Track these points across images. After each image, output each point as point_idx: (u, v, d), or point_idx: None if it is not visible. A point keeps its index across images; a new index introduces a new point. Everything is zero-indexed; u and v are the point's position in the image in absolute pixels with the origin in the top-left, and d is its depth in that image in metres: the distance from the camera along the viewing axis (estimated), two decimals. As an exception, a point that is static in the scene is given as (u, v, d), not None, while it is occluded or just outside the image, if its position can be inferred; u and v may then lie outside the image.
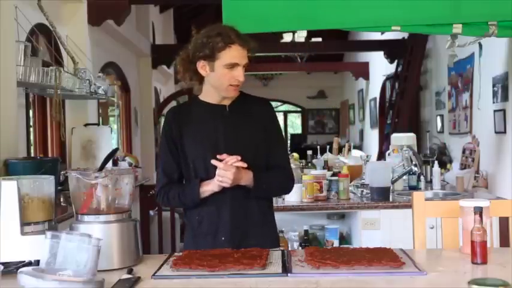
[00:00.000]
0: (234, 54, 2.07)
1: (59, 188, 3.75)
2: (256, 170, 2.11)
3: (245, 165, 2.03)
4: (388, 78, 8.69)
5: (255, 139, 2.16)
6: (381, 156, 7.43)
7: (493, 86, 4.66)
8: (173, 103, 10.50)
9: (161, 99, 9.62)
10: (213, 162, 2.04)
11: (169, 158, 2.17)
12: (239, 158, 2.03)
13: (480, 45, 4.30)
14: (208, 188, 2.08)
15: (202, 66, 2.11)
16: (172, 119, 2.19)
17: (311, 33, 8.33)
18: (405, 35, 7.52)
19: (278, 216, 2.32)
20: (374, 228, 3.39)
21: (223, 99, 2.16)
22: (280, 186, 2.25)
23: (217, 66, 2.08)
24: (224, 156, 2.04)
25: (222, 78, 2.09)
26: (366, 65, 10.47)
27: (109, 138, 5.12)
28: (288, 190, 2.36)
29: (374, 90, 9.89)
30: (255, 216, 2.14)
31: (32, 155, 4.40)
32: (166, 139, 2.18)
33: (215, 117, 2.16)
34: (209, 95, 2.17)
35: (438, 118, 6.30)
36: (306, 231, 3.56)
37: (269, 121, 2.23)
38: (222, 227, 2.10)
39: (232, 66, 2.07)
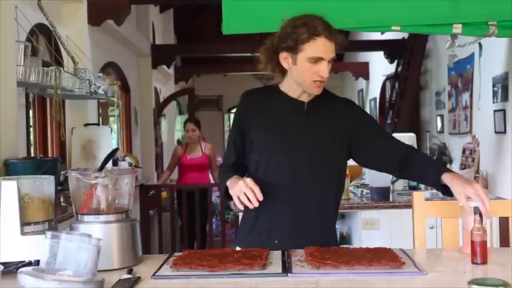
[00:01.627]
0: (319, 47, 1.92)
1: (59, 188, 3.75)
2: (326, 179, 2.02)
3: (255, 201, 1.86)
4: (388, 78, 8.68)
5: (331, 140, 2.03)
6: (381, 156, 7.41)
7: (493, 86, 4.66)
8: (173, 103, 10.51)
9: (161, 99, 9.62)
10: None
11: (231, 150, 2.09)
12: None
13: (480, 45, 4.30)
14: (231, 183, 1.92)
15: (284, 58, 1.98)
16: (248, 102, 2.07)
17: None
18: (405, 35, 7.51)
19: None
20: (374, 228, 3.39)
21: (303, 94, 2.03)
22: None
23: (300, 60, 1.94)
24: None
25: (304, 73, 1.95)
26: (366, 65, 10.46)
27: (109, 138, 5.12)
28: None
29: (374, 90, 9.88)
30: (314, 223, 2.02)
31: (32, 155, 4.40)
32: (236, 125, 2.08)
33: (292, 112, 2.03)
34: (290, 87, 2.04)
35: (438, 118, 6.29)
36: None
37: (354, 120, 2.07)
38: (278, 227, 2.00)
39: (316, 60, 1.92)
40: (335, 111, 2.08)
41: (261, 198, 1.83)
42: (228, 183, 1.94)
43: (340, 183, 2.12)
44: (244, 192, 1.83)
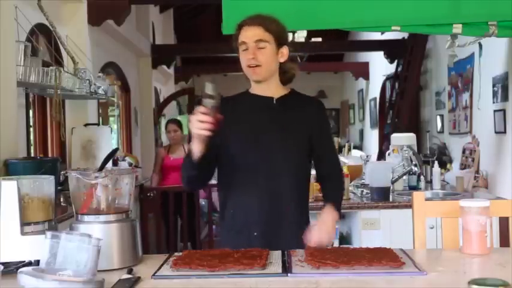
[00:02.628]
0: (242, 34, 2.06)
1: (59, 188, 3.75)
2: (298, 173, 2.12)
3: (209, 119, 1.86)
4: (388, 78, 8.69)
5: (300, 136, 2.13)
6: (381, 156, 7.42)
7: (493, 86, 4.66)
8: (173, 103, 10.52)
9: (161, 99, 9.62)
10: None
11: None
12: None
13: (480, 45, 4.31)
14: (193, 145, 1.93)
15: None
16: (222, 105, 2.10)
17: (311, 33, 8.34)
18: (405, 35, 7.52)
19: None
20: (374, 228, 3.39)
21: (268, 90, 2.13)
22: (343, 192, 2.34)
23: (239, 54, 2.09)
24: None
25: (241, 62, 2.09)
26: (366, 65, 10.47)
27: (109, 138, 5.12)
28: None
29: (374, 90, 9.88)
30: (290, 216, 2.10)
31: (32, 155, 4.40)
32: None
33: (262, 109, 2.12)
34: (255, 87, 2.15)
35: (438, 118, 6.30)
36: None
37: (318, 121, 2.18)
38: (256, 224, 2.06)
39: (243, 47, 2.06)
40: (303, 107, 2.17)
41: (210, 118, 1.84)
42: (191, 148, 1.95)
43: (307, 171, 2.22)
44: (196, 120, 1.85)
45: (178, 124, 6.17)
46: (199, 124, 1.85)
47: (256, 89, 2.15)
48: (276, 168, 2.08)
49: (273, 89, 2.14)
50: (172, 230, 5.69)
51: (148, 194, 5.83)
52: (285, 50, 2.11)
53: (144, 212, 5.79)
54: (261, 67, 2.06)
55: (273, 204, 2.08)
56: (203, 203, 6.64)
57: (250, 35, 2.05)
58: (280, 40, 2.09)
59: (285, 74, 2.16)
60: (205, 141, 1.91)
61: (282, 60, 2.11)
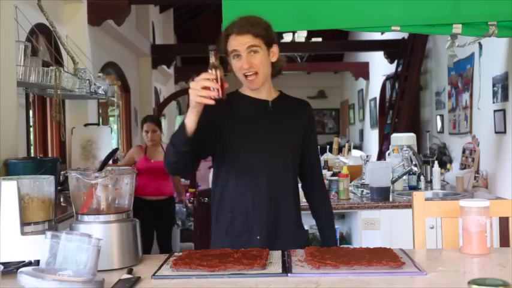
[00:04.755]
0: (232, 43, 2.02)
1: (59, 188, 3.76)
2: (294, 175, 2.14)
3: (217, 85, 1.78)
4: (388, 78, 8.69)
5: (295, 139, 2.15)
6: (381, 156, 7.43)
7: (493, 86, 4.67)
8: (173, 103, 10.52)
9: (161, 99, 9.62)
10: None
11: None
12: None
13: (480, 45, 4.30)
14: (188, 116, 1.85)
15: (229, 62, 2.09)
16: (214, 107, 2.01)
17: (311, 33, 8.34)
18: (405, 35, 7.52)
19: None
20: (374, 228, 3.39)
21: (262, 93, 2.12)
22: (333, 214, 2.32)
23: (230, 60, 2.06)
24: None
25: (234, 70, 2.06)
26: (366, 65, 10.47)
27: (109, 138, 5.12)
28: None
29: (374, 90, 9.89)
30: (290, 217, 2.12)
31: (32, 155, 4.40)
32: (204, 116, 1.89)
33: (258, 111, 2.11)
34: (246, 88, 2.13)
35: (438, 118, 6.30)
36: (306, 231, 3.57)
37: (310, 123, 2.21)
38: (258, 226, 2.06)
39: (235, 54, 2.02)
40: (296, 110, 2.19)
41: (217, 85, 1.77)
42: (184, 121, 1.86)
43: (298, 172, 2.22)
44: (200, 86, 1.77)
45: (158, 123, 5.31)
46: (202, 91, 1.77)
47: (248, 91, 2.14)
48: (276, 171, 2.09)
49: (266, 92, 2.14)
50: (147, 240, 5.02)
51: None
52: (275, 49, 2.10)
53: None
54: (257, 75, 2.04)
55: (273, 207, 2.08)
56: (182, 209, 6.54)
57: (240, 43, 2.01)
58: (269, 41, 2.08)
59: (274, 68, 2.14)
60: (200, 116, 1.82)
61: (274, 59, 2.10)
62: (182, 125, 1.88)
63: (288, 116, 2.14)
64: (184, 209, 7.15)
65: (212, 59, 1.82)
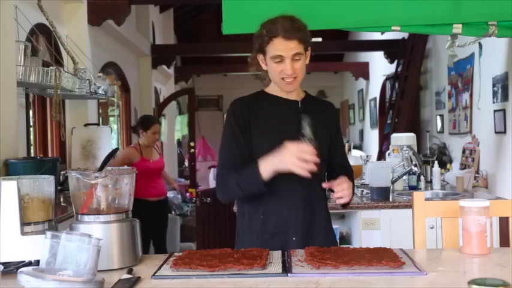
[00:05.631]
0: (277, 47, 1.99)
1: (59, 188, 3.76)
2: (324, 174, 2.14)
3: (318, 160, 1.89)
4: (388, 78, 8.68)
5: (324, 138, 2.13)
6: (381, 156, 7.43)
7: (493, 86, 4.67)
8: (173, 103, 10.51)
9: (161, 99, 9.62)
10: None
11: (233, 150, 2.03)
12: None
13: (480, 45, 4.30)
14: (268, 169, 1.91)
15: (261, 60, 2.08)
16: (241, 107, 2.07)
17: (311, 33, 8.31)
18: (405, 35, 7.52)
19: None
20: (374, 228, 3.39)
21: (291, 94, 2.11)
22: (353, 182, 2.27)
23: (268, 60, 2.04)
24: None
25: (272, 72, 2.05)
26: (366, 65, 10.47)
27: (109, 138, 5.12)
28: None
29: (374, 90, 9.88)
30: (322, 216, 2.13)
31: (32, 155, 4.40)
32: (232, 128, 2.05)
33: (289, 111, 2.09)
34: (276, 88, 2.11)
35: (438, 118, 6.30)
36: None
37: (336, 123, 2.23)
38: (293, 227, 2.05)
39: (279, 59, 2.00)
40: (323, 110, 2.19)
41: (315, 159, 1.86)
42: (261, 168, 1.93)
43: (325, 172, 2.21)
44: (299, 157, 1.85)
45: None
46: (303, 164, 1.85)
47: (276, 91, 2.12)
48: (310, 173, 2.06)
49: (296, 92, 2.13)
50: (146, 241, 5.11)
51: None
52: (309, 52, 2.10)
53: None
54: (296, 79, 2.05)
55: (307, 207, 2.08)
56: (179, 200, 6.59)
57: (287, 48, 1.99)
58: (308, 45, 2.08)
59: None
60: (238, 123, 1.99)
61: (307, 62, 2.09)
62: (256, 173, 1.93)
63: (317, 116, 2.12)
64: (179, 196, 7.19)
65: (307, 131, 1.96)
